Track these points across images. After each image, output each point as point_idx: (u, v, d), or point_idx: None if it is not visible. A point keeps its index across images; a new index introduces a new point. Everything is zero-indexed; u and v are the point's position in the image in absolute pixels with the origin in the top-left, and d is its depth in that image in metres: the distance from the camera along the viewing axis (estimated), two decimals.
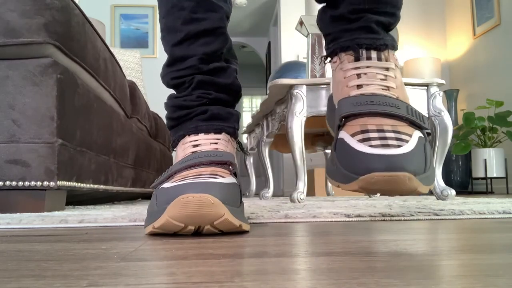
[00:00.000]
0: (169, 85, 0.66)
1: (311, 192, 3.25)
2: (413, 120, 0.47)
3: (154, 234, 0.50)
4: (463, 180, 3.68)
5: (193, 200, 0.43)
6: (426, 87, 1.59)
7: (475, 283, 0.23)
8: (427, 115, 1.57)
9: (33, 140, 0.94)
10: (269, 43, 5.55)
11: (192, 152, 0.57)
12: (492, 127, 3.31)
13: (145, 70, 3.80)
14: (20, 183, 0.92)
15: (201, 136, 0.60)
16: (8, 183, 0.92)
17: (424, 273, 0.26)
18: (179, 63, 0.63)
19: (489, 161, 3.25)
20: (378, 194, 0.44)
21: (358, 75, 0.51)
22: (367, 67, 0.51)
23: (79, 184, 1.06)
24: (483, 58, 3.75)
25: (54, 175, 0.93)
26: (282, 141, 2.37)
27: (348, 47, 0.53)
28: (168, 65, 0.65)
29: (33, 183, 0.92)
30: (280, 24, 4.40)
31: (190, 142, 0.60)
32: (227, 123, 0.62)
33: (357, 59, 0.52)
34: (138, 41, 3.97)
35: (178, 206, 0.44)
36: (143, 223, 0.65)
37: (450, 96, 3.84)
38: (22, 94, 0.95)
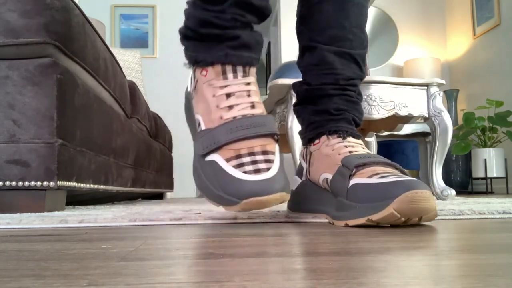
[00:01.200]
0: None
1: None
2: (402, 170, 0.59)
3: (154, 234, 0.50)
4: (463, 180, 3.68)
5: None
6: (426, 87, 1.59)
7: (475, 283, 0.23)
8: (427, 115, 1.57)
9: (33, 140, 0.94)
10: (269, 43, 5.55)
11: (229, 107, 0.58)
12: (492, 127, 3.31)
13: (145, 70, 3.80)
14: (20, 183, 0.92)
15: (231, 77, 0.59)
16: (8, 183, 0.92)
17: (424, 273, 0.26)
18: None
19: (489, 161, 3.25)
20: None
21: (346, 147, 0.64)
22: (350, 141, 0.66)
23: (79, 184, 1.06)
24: (483, 58, 3.75)
25: (54, 175, 0.93)
26: (282, 141, 2.37)
27: (335, 131, 0.67)
28: None
29: (33, 183, 0.92)
30: (280, 24, 4.39)
31: (222, 86, 0.59)
32: (254, 53, 0.61)
33: (343, 139, 0.66)
34: (138, 41, 3.97)
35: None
36: (143, 223, 0.65)
37: (450, 96, 3.84)
38: (22, 94, 0.95)
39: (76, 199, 1.36)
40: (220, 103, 0.58)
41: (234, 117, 0.57)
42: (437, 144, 1.57)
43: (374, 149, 2.20)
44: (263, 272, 0.26)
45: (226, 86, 0.59)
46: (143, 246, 0.40)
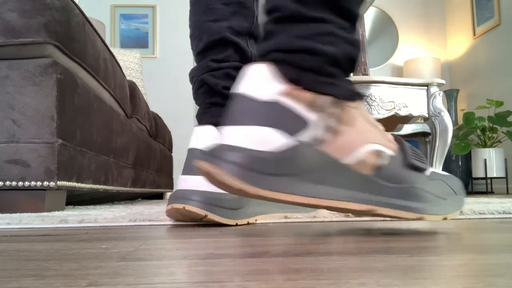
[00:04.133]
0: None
1: None
2: None
3: (154, 234, 0.50)
4: (463, 180, 3.68)
5: None
6: (426, 87, 1.59)
7: (475, 283, 0.23)
8: (427, 115, 1.57)
9: (33, 140, 0.94)
10: None
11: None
12: (492, 127, 3.31)
13: (145, 70, 3.80)
14: (20, 183, 0.92)
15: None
16: (8, 183, 0.92)
17: (424, 273, 0.26)
18: None
19: (489, 161, 3.25)
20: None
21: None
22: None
23: (79, 184, 1.06)
24: (483, 58, 3.75)
25: (54, 175, 0.93)
26: None
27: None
28: None
29: (33, 183, 0.92)
30: None
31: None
32: None
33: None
34: (138, 41, 3.97)
35: None
36: (143, 223, 0.65)
37: (450, 96, 3.84)
38: (22, 94, 0.95)
39: (76, 199, 1.36)
40: (381, 126, 0.50)
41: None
42: (437, 144, 1.57)
43: None
44: (263, 272, 0.26)
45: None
46: (143, 246, 0.40)
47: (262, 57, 0.47)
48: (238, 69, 0.71)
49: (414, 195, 0.47)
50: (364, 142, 0.46)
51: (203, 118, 0.70)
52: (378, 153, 0.47)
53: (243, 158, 0.41)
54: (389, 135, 0.50)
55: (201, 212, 0.58)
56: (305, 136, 0.44)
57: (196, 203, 0.58)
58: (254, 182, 0.41)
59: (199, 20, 0.74)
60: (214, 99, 0.70)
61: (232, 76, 0.70)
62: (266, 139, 0.43)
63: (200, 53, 0.73)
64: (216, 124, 0.65)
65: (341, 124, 0.46)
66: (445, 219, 0.48)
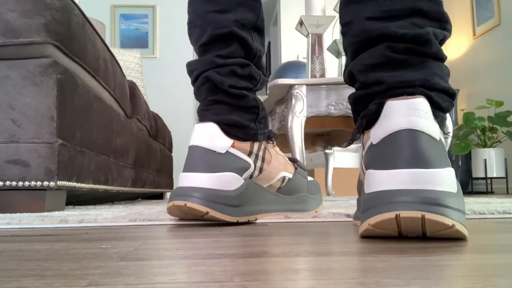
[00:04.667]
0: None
1: None
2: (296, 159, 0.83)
3: (154, 234, 0.50)
4: (463, 180, 3.68)
5: None
6: None
7: (475, 283, 0.23)
8: None
9: (33, 140, 0.94)
10: (269, 43, 5.56)
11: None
12: (492, 127, 3.31)
13: (145, 70, 3.80)
14: (20, 183, 0.92)
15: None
16: (8, 183, 0.92)
17: (424, 273, 0.26)
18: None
19: (489, 161, 3.25)
20: None
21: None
22: None
23: (79, 184, 1.06)
24: (483, 58, 3.75)
25: (54, 175, 0.93)
26: (282, 141, 2.37)
27: None
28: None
29: (33, 183, 0.92)
30: (280, 24, 4.40)
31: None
32: None
33: None
34: (138, 41, 3.97)
35: None
36: (143, 223, 0.65)
37: None
38: (22, 94, 0.95)
39: (76, 199, 1.36)
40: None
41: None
42: None
43: None
44: (263, 272, 0.26)
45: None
46: (143, 246, 0.40)
47: (409, 88, 0.48)
48: (243, 66, 0.68)
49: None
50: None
51: (205, 115, 0.68)
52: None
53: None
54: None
55: (203, 208, 0.57)
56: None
57: (198, 200, 0.58)
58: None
59: (202, 8, 0.69)
60: (218, 97, 0.67)
61: (237, 74, 0.67)
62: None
63: (203, 46, 0.69)
64: (219, 122, 0.65)
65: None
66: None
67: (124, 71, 2.82)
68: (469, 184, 3.73)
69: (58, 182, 0.94)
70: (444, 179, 0.40)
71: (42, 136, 0.94)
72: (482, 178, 3.33)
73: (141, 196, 2.48)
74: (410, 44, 0.48)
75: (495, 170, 3.25)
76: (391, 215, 0.38)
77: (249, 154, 0.66)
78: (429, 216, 0.37)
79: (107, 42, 3.95)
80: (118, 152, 1.44)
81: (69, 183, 1.00)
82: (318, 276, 0.25)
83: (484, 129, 3.35)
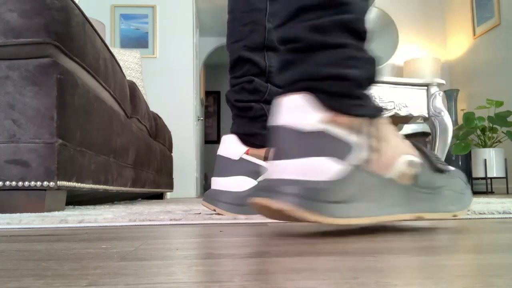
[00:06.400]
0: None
1: None
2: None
3: (154, 234, 0.50)
4: None
5: None
6: (426, 87, 1.59)
7: (475, 283, 0.23)
8: (427, 115, 1.58)
9: (33, 140, 0.94)
10: None
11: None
12: (492, 127, 3.31)
13: (145, 70, 3.80)
14: (20, 183, 0.92)
15: None
16: (8, 183, 0.92)
17: (424, 273, 0.26)
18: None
19: (489, 161, 3.25)
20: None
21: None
22: None
23: (79, 184, 1.06)
24: (483, 58, 3.75)
25: (54, 175, 0.93)
26: None
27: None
28: None
29: (33, 183, 0.92)
30: None
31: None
32: None
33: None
34: (138, 41, 3.97)
35: None
36: (143, 223, 0.65)
37: (450, 96, 3.84)
38: (22, 94, 0.95)
39: (76, 199, 1.36)
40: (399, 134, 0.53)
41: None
42: (437, 144, 1.57)
43: None
44: (263, 272, 0.26)
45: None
46: (143, 246, 0.40)
47: (289, 87, 0.49)
48: (249, 82, 0.80)
49: (445, 197, 0.52)
50: (399, 154, 0.49)
51: (230, 128, 0.83)
52: (410, 163, 0.50)
53: (300, 190, 0.43)
54: (409, 143, 0.53)
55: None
56: (354, 159, 0.46)
57: (224, 205, 0.72)
58: (314, 209, 0.43)
59: (227, 43, 0.85)
60: (234, 112, 0.83)
61: (245, 89, 0.81)
62: (320, 169, 0.44)
63: (229, 73, 0.84)
64: (236, 133, 0.78)
65: (379, 142, 0.49)
66: (468, 211, 0.54)
67: (124, 71, 2.82)
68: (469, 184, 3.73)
69: (58, 182, 0.94)
70: (287, 167, 0.44)
71: (42, 136, 0.94)
72: (482, 178, 3.33)
73: (141, 196, 2.48)
74: (290, 44, 0.50)
75: (495, 170, 3.25)
76: (252, 202, 0.46)
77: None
78: (259, 201, 0.44)
79: (107, 42, 3.95)
80: (118, 152, 1.44)
81: (69, 183, 1.00)
82: (318, 276, 0.25)
83: (484, 129, 3.35)
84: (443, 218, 0.52)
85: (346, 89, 0.47)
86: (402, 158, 0.49)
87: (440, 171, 0.53)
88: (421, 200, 0.50)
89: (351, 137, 0.46)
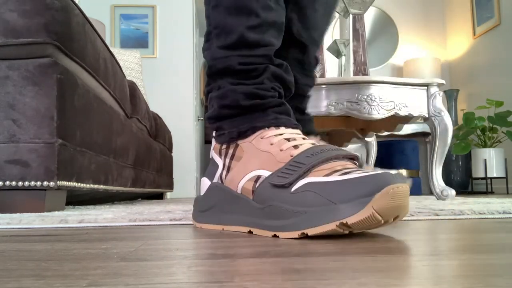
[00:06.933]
0: (231, 69, 0.59)
1: None
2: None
3: (154, 234, 0.50)
4: (463, 180, 3.68)
5: (402, 191, 0.41)
6: (426, 87, 1.59)
7: (475, 283, 0.23)
8: (427, 115, 1.58)
9: (33, 140, 0.94)
10: None
11: (294, 147, 0.51)
12: (492, 127, 3.31)
13: (145, 70, 3.80)
14: (20, 183, 0.92)
15: (285, 130, 0.55)
16: (8, 183, 0.92)
17: (424, 273, 0.26)
18: (251, 49, 0.58)
19: (489, 161, 3.25)
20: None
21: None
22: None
23: (79, 184, 1.06)
24: (483, 58, 3.75)
25: (54, 175, 0.93)
26: None
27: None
28: (234, 47, 0.58)
29: (33, 183, 0.92)
30: None
31: (278, 135, 0.54)
32: (298, 122, 0.61)
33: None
34: (138, 41, 3.97)
35: (387, 198, 0.40)
36: (143, 223, 0.65)
37: (450, 96, 3.84)
38: (22, 94, 0.95)
39: (76, 199, 1.36)
40: (282, 146, 0.52)
41: (306, 149, 0.50)
42: (437, 144, 1.57)
43: (374, 149, 2.20)
44: (263, 272, 0.26)
45: (281, 134, 0.54)
46: (143, 246, 0.40)
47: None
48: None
49: (273, 213, 0.47)
50: (246, 172, 0.53)
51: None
52: (257, 178, 0.51)
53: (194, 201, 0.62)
54: (284, 155, 0.51)
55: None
56: (217, 177, 0.58)
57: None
58: (192, 215, 0.62)
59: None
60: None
61: None
62: (203, 185, 0.61)
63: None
64: None
65: (232, 161, 0.56)
66: (303, 234, 0.43)
67: (124, 71, 2.82)
68: (469, 184, 3.73)
69: (58, 182, 0.94)
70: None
71: (42, 136, 0.94)
72: (482, 178, 3.33)
73: (141, 196, 2.48)
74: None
75: (495, 170, 3.25)
76: None
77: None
78: None
79: (107, 42, 3.95)
80: (118, 152, 1.44)
81: (69, 183, 1.00)
82: (318, 276, 0.25)
83: (484, 129, 3.35)
84: (264, 235, 0.48)
85: (212, 126, 0.62)
86: (248, 175, 0.52)
87: (276, 186, 0.48)
88: (255, 214, 0.50)
89: (217, 159, 0.60)
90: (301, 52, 0.72)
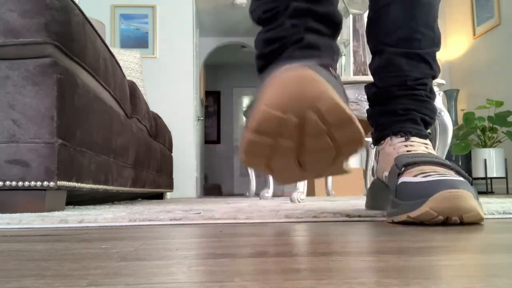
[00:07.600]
0: (260, 20, 0.60)
1: (311, 192, 3.25)
2: (458, 170, 0.59)
3: (154, 234, 0.50)
4: None
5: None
6: None
7: (475, 283, 0.23)
8: None
9: (33, 140, 0.94)
10: None
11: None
12: (492, 127, 3.31)
13: (145, 70, 3.80)
14: (20, 183, 0.92)
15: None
16: (8, 183, 0.92)
17: (424, 273, 0.26)
18: None
19: (489, 161, 3.25)
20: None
21: (406, 146, 0.67)
22: (412, 141, 0.67)
23: (79, 184, 1.06)
24: (483, 58, 3.75)
25: (54, 175, 0.93)
26: None
27: (399, 131, 0.69)
28: None
29: (33, 183, 0.92)
30: None
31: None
32: (325, 53, 0.58)
33: (406, 139, 0.68)
34: (138, 41, 3.97)
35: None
36: (143, 223, 0.65)
37: (450, 96, 3.84)
38: (22, 94, 0.95)
39: (76, 199, 1.36)
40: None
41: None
42: (437, 144, 1.57)
43: (374, 149, 2.20)
44: (263, 272, 0.26)
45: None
46: (143, 246, 0.40)
47: None
48: None
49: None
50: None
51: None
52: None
53: None
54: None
55: None
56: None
57: None
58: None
59: None
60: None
61: None
62: None
63: None
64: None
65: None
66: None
67: (124, 71, 2.82)
68: None
69: (58, 182, 0.94)
70: None
71: (42, 136, 0.94)
72: (482, 178, 3.33)
73: (141, 196, 2.48)
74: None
75: (495, 170, 3.25)
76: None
77: None
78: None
79: (107, 42, 3.95)
80: (118, 152, 1.44)
81: (69, 183, 1.00)
82: (318, 276, 0.25)
83: (484, 129, 3.35)
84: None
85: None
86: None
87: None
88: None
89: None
90: (380, 58, 0.75)
